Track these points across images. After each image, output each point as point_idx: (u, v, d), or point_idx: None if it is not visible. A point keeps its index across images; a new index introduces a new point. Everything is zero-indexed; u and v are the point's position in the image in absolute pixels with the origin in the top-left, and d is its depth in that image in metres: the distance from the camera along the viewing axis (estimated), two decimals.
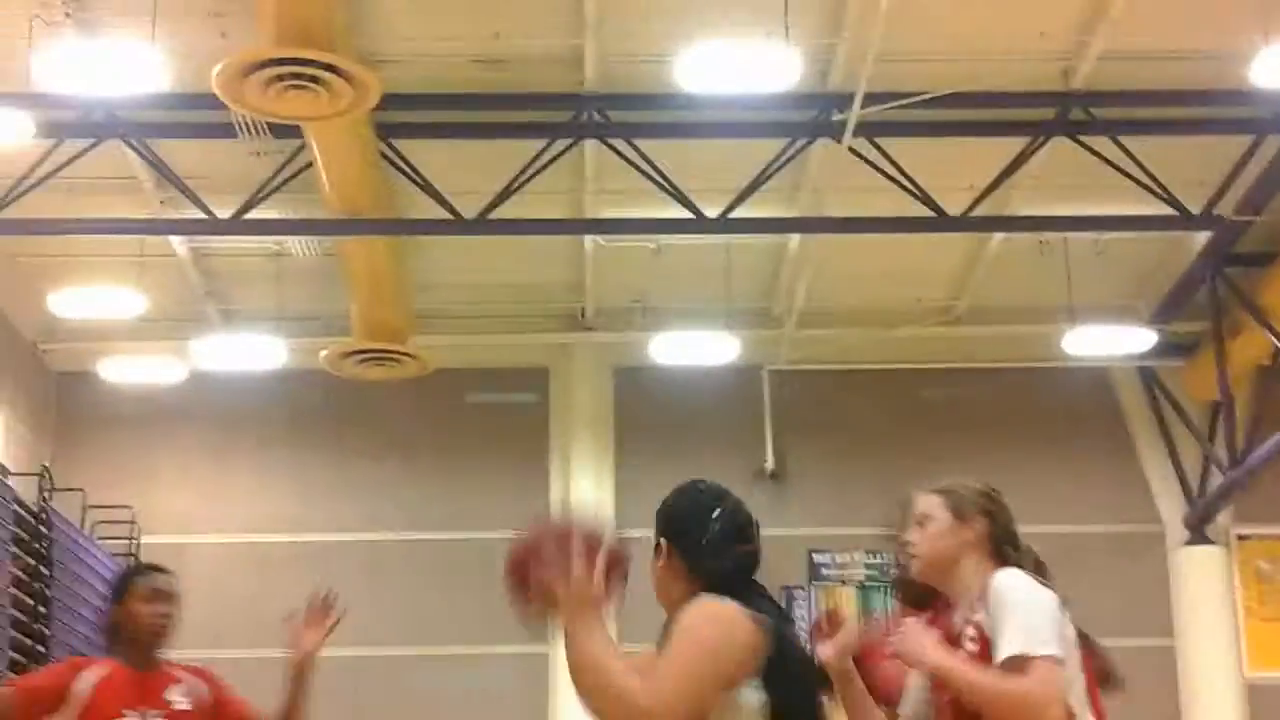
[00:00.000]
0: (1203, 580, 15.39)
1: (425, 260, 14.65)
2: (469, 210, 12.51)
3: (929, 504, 4.30)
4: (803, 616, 15.32)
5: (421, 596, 15.49)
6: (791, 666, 3.73)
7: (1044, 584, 4.06)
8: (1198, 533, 15.47)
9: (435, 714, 15.12)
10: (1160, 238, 14.18)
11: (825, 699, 4.01)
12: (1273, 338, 13.48)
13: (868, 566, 15.57)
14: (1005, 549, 4.20)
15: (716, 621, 3.70)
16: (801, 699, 3.75)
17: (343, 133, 11.13)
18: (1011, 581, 4.04)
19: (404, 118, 12.26)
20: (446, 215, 12.56)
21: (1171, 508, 15.75)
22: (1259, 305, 13.64)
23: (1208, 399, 15.25)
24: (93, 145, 12.29)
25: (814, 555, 15.58)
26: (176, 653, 5.67)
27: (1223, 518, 15.55)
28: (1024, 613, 3.95)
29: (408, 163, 12.57)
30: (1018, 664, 3.89)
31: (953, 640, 4.13)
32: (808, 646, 4.23)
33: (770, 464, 15.70)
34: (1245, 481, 14.38)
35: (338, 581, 5.96)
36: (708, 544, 3.87)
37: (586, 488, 15.49)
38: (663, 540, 3.90)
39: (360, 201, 12.20)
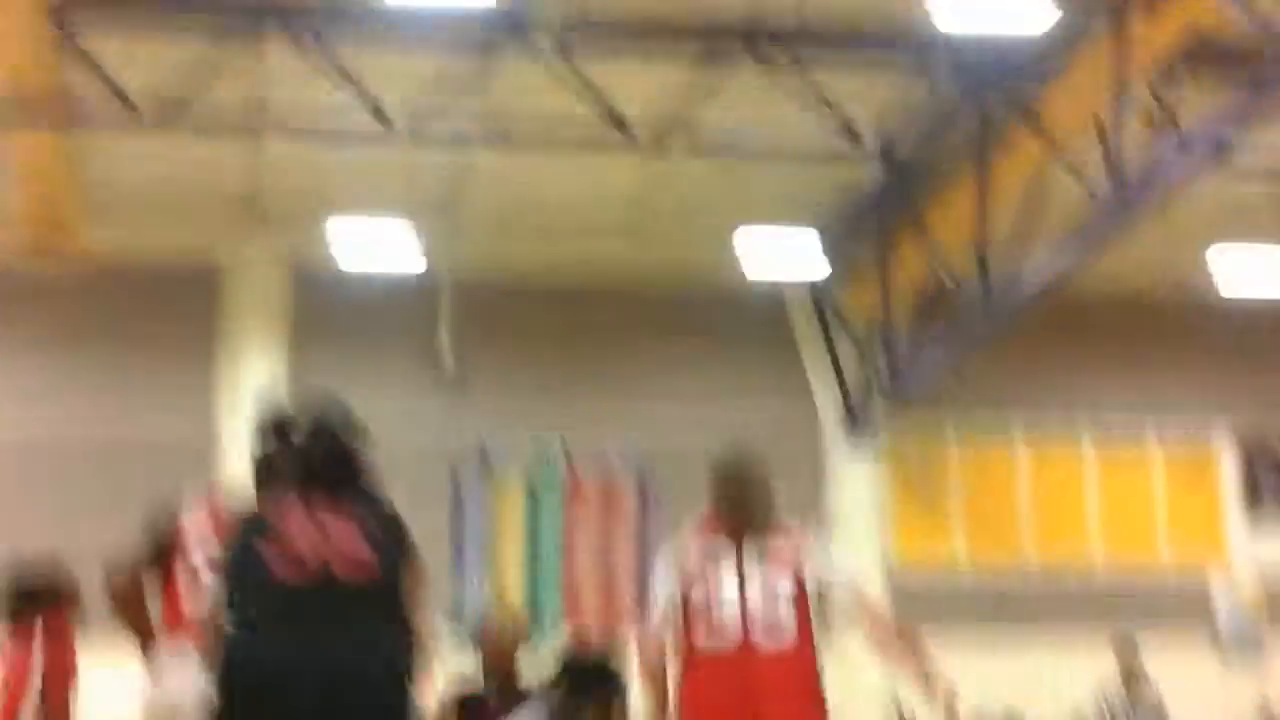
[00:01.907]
0: (858, 487, 16.28)
1: (98, 153, 14.18)
2: (147, 105, 12.18)
3: None
4: (475, 517, 15.51)
5: (78, 500, 14.85)
6: (235, 556, 4.41)
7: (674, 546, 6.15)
8: (856, 444, 16.24)
9: None
10: (833, 162, 14.64)
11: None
12: (935, 262, 14.12)
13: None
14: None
15: None
16: (247, 581, 4.34)
17: (13, 16, 10.76)
18: None
19: (80, 4, 11.83)
20: (122, 108, 12.20)
21: (832, 421, 16.41)
22: (923, 228, 14.26)
23: (873, 319, 15.89)
24: None
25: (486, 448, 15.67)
26: None
27: (880, 432, 16.28)
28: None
29: (83, 53, 12.14)
30: None
31: None
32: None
33: (448, 370, 15.69)
34: (904, 394, 15.20)
35: None
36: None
37: (256, 389, 15.25)
38: None
39: (30, 89, 11.76)
